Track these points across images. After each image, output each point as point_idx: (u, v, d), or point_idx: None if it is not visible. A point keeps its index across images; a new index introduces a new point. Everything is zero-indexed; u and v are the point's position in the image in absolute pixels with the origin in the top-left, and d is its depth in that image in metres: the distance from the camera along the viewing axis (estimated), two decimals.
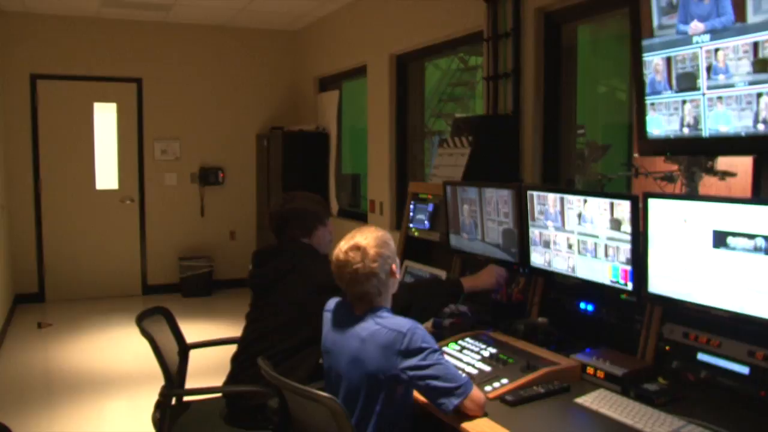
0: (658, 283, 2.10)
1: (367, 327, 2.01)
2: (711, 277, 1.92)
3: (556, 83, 3.78)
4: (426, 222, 3.47)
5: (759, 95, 1.95)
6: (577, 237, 2.39)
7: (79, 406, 4.22)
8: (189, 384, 2.76)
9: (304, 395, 1.91)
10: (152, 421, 2.60)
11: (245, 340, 2.67)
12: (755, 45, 1.93)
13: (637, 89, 2.37)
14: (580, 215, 2.36)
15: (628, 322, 2.34)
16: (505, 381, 2.11)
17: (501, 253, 2.80)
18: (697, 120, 2.16)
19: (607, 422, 1.87)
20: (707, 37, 2.08)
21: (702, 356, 2.04)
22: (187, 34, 7.29)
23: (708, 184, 2.32)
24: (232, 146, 7.56)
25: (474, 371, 2.22)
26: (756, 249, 1.78)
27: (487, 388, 2.08)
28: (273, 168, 6.91)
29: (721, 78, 2.05)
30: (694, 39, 2.12)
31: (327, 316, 2.22)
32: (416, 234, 3.55)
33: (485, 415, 1.92)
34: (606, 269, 2.29)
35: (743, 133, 2.02)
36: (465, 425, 1.89)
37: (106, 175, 7.19)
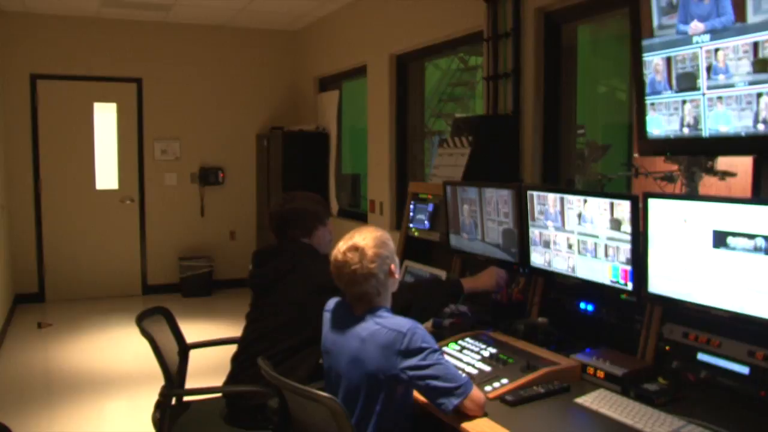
0: (658, 283, 2.10)
1: (367, 327, 2.01)
2: (711, 277, 1.92)
3: (556, 83, 3.78)
4: (426, 222, 3.47)
5: (759, 95, 1.95)
6: (577, 237, 2.39)
7: (79, 406, 4.22)
8: (189, 384, 2.76)
9: (304, 395, 1.91)
10: (152, 421, 2.60)
11: (245, 340, 2.67)
12: (755, 45, 1.93)
13: (637, 89, 2.37)
14: (580, 215, 2.36)
15: (628, 322, 2.34)
16: (505, 381, 2.11)
17: (501, 253, 2.80)
18: (697, 120, 2.16)
19: (607, 422, 1.87)
20: (707, 37, 2.08)
21: (702, 356, 2.04)
22: (187, 34, 7.29)
23: (708, 184, 2.32)
24: (232, 146, 7.56)
25: (474, 371, 2.22)
26: (756, 249, 1.78)
27: (487, 388, 2.08)
28: (273, 168, 6.91)
29: (721, 78, 2.05)
30: (694, 39, 2.12)
31: (327, 316, 2.22)
32: (416, 234, 3.55)
33: (485, 415, 1.92)
34: (606, 269, 2.29)
35: (743, 133, 2.02)
36: (465, 425, 1.89)
37: (106, 175, 7.19)
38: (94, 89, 7.06)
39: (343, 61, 6.44)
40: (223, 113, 7.50)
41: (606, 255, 2.27)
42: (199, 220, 7.53)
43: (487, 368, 2.23)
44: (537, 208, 2.55)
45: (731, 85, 2.03)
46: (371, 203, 5.80)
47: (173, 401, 2.59)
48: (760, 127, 1.96)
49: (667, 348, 2.16)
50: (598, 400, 1.99)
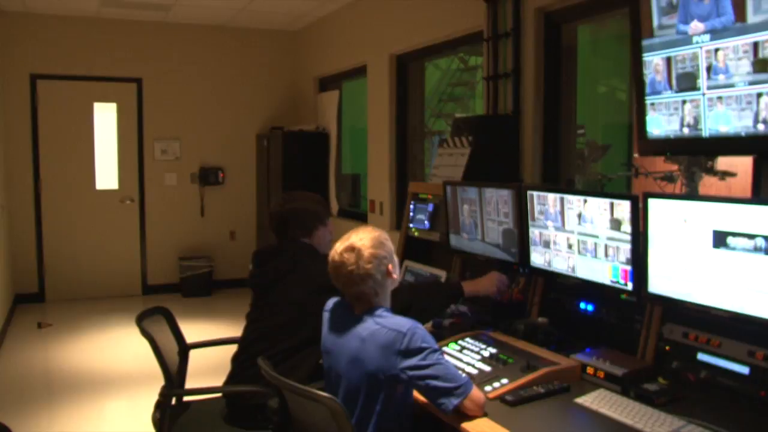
0: (658, 283, 2.10)
1: (367, 327, 2.01)
2: (711, 277, 1.92)
3: (556, 83, 3.78)
4: (426, 222, 3.47)
5: (759, 95, 1.95)
6: (577, 237, 2.39)
7: (79, 406, 4.22)
8: (189, 384, 2.76)
9: (304, 395, 1.91)
10: (152, 421, 2.60)
11: (245, 340, 2.67)
12: (755, 45, 1.93)
13: (637, 89, 2.37)
14: (580, 215, 2.36)
15: (628, 322, 2.34)
16: (505, 381, 2.11)
17: (501, 253, 2.80)
18: (697, 120, 2.16)
19: (607, 422, 1.87)
20: (707, 37, 2.08)
21: (702, 356, 2.04)
22: (187, 34, 7.29)
23: (708, 184, 2.32)
24: (232, 146, 7.56)
25: (474, 371, 2.22)
26: (756, 249, 1.78)
27: (487, 388, 2.08)
28: (273, 168, 6.91)
29: (721, 78, 2.05)
30: (694, 39, 2.12)
31: (326, 316, 2.22)
32: (416, 234, 3.55)
33: (485, 415, 1.92)
34: (606, 269, 2.29)
35: (743, 133, 2.02)
36: (465, 425, 1.89)
37: (106, 175, 7.18)
38: (94, 89, 7.06)
39: (343, 61, 6.44)
40: (223, 113, 7.50)
41: (606, 255, 2.27)
42: (199, 220, 7.53)
43: (487, 368, 2.23)
44: (537, 208, 2.55)
45: (731, 85, 2.03)
46: (371, 203, 5.80)
47: (173, 401, 2.59)
48: (760, 127, 1.96)
49: (667, 348, 2.16)
50: (598, 400, 1.99)
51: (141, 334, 2.50)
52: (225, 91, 7.49)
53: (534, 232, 2.59)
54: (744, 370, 1.92)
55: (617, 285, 2.25)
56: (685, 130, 2.21)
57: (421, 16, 4.94)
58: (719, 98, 2.07)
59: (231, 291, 7.37)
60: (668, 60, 2.23)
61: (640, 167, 2.58)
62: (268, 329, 2.56)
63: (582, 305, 2.53)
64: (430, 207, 3.46)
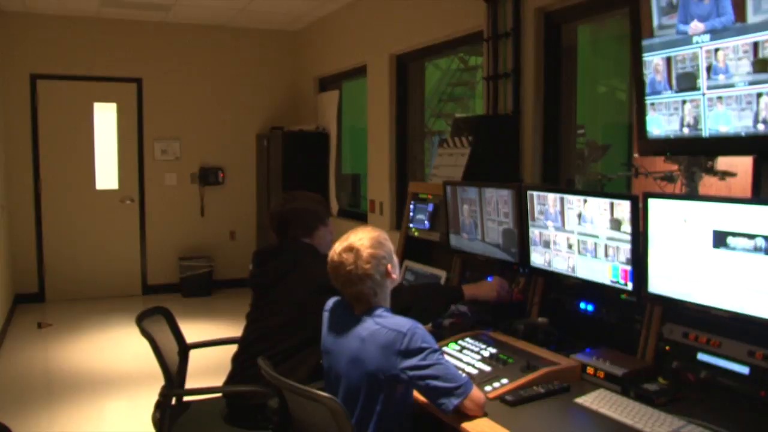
0: (658, 283, 2.10)
1: (367, 327, 2.01)
2: (711, 277, 1.92)
3: (556, 83, 3.78)
4: (426, 222, 3.47)
5: (759, 95, 1.95)
6: (577, 237, 2.39)
7: (79, 406, 4.22)
8: (189, 384, 2.76)
9: (304, 395, 1.91)
10: (152, 421, 2.60)
11: (246, 340, 2.66)
12: (755, 45, 1.93)
13: (637, 89, 2.37)
14: (580, 215, 2.36)
15: (628, 322, 2.34)
16: (505, 381, 2.11)
17: (501, 253, 2.80)
18: (697, 120, 2.16)
19: (607, 422, 1.87)
20: (707, 37, 2.08)
21: (702, 356, 2.04)
22: (187, 34, 7.29)
23: (708, 184, 2.32)
24: (232, 146, 7.56)
25: (474, 371, 2.22)
26: (756, 249, 1.78)
27: (487, 388, 2.08)
28: (273, 168, 6.91)
29: (721, 78, 2.05)
30: (694, 39, 2.12)
31: (326, 316, 2.21)
32: (416, 234, 3.55)
33: (485, 415, 1.93)
34: (606, 269, 2.29)
35: (743, 133, 2.02)
36: (465, 425, 1.89)
37: (106, 175, 7.18)
38: (94, 89, 7.06)
39: (343, 61, 6.44)
40: (223, 113, 7.50)
41: (606, 255, 2.27)
42: (199, 220, 7.53)
43: (487, 368, 2.23)
44: (537, 208, 2.55)
45: (731, 85, 2.03)
46: (371, 203, 5.80)
47: (173, 401, 2.59)
48: (760, 127, 1.96)
49: (667, 348, 2.16)
50: (598, 400, 1.99)
51: (141, 334, 2.50)
52: (225, 91, 7.49)
53: (534, 232, 2.59)
54: (744, 370, 1.92)
55: (617, 285, 2.25)
56: (685, 130, 2.21)
57: (421, 16, 4.94)
58: (719, 98, 2.07)
59: (231, 291, 7.37)
60: (668, 60, 2.23)
61: (640, 167, 2.58)
62: (268, 329, 2.56)
63: (582, 305, 2.53)
64: (430, 207, 3.46)
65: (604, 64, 4.44)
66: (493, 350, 2.37)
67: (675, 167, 2.45)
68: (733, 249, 1.85)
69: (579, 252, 2.39)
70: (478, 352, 2.37)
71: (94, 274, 7.12)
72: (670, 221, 2.02)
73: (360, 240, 2.07)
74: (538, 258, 2.60)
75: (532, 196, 2.57)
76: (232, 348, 2.76)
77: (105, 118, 7.14)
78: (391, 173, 5.54)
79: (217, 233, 7.58)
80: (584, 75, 3.99)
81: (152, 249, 7.35)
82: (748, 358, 1.91)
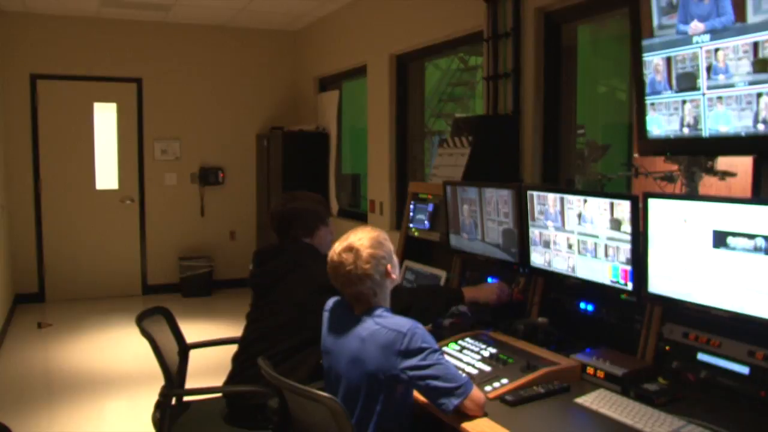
0: (658, 283, 2.10)
1: (367, 327, 2.01)
2: (711, 277, 1.92)
3: (556, 83, 3.78)
4: (426, 222, 3.47)
5: (759, 95, 1.95)
6: (577, 237, 2.39)
7: (79, 406, 4.22)
8: (189, 384, 2.76)
9: (304, 395, 1.91)
10: (152, 421, 2.60)
11: (246, 340, 2.66)
12: (755, 45, 1.93)
13: (637, 89, 2.37)
14: (580, 215, 2.36)
15: (628, 322, 2.34)
16: (505, 381, 2.11)
17: (501, 253, 2.80)
18: (697, 120, 2.16)
19: (607, 422, 1.87)
20: (707, 37, 2.08)
21: (702, 356, 2.04)
22: (187, 34, 7.29)
23: (708, 184, 2.32)
24: (232, 146, 7.56)
25: (474, 371, 2.22)
26: (756, 249, 1.78)
27: (487, 388, 2.08)
28: (273, 168, 6.91)
29: (721, 78, 2.05)
30: (694, 39, 2.12)
31: (326, 316, 2.21)
32: (416, 234, 3.55)
33: (485, 415, 1.93)
34: (606, 269, 2.29)
35: (743, 133, 2.02)
36: (465, 425, 1.89)
37: (106, 175, 7.18)
38: (94, 89, 7.06)
39: (343, 61, 6.44)
40: (223, 113, 7.50)
41: (606, 255, 2.27)
42: (199, 220, 7.53)
43: (487, 368, 2.23)
44: (537, 208, 2.55)
45: (731, 85, 2.03)
46: (371, 203, 5.80)
47: (173, 401, 2.59)
48: (760, 127, 1.96)
49: (667, 348, 2.16)
50: (598, 400, 1.99)
51: (141, 334, 2.50)
52: (225, 91, 7.50)
53: (534, 232, 2.59)
54: (744, 370, 1.92)
55: (617, 285, 2.25)
56: (685, 130, 2.21)
57: (421, 16, 4.94)
58: (719, 98, 2.07)
59: (231, 291, 7.37)
60: (668, 60, 2.23)
61: (640, 167, 2.58)
62: (268, 329, 2.56)
63: (582, 305, 2.53)
64: (430, 207, 3.46)
65: (604, 64, 4.44)
66: (493, 350, 2.37)
67: (675, 167, 2.45)
68: (733, 249, 1.85)
69: (579, 252, 2.39)
70: (478, 352, 2.37)
71: (94, 274, 7.12)
72: (670, 221, 2.02)
73: (360, 240, 2.07)
74: (538, 258, 2.60)
75: (532, 196, 2.57)
76: (232, 348, 2.76)
77: (105, 118, 7.14)
78: (391, 173, 5.54)
79: (217, 233, 7.58)
80: (584, 75, 3.99)
81: (152, 249, 7.35)
82: (748, 358, 1.91)
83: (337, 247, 2.09)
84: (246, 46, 7.52)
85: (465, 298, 2.74)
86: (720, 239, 1.88)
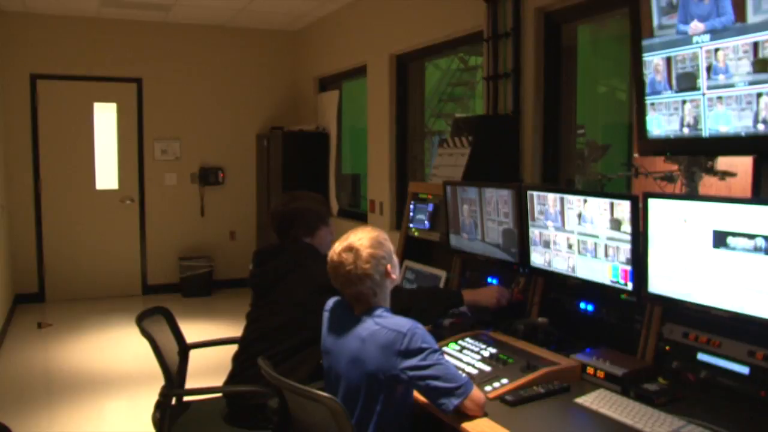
0: (658, 283, 2.10)
1: (367, 327, 2.01)
2: (711, 277, 1.92)
3: (556, 83, 3.78)
4: (426, 222, 3.47)
5: (759, 95, 1.95)
6: (577, 237, 2.39)
7: (79, 406, 4.22)
8: (189, 384, 2.76)
9: (304, 395, 1.91)
10: (152, 421, 2.60)
11: (246, 339, 2.66)
12: (755, 45, 1.93)
13: (637, 89, 2.37)
14: (580, 215, 2.36)
15: (628, 322, 2.34)
16: (505, 381, 2.11)
17: (501, 253, 2.80)
18: (697, 120, 2.16)
19: (607, 422, 1.87)
20: (707, 37, 2.08)
21: (702, 356, 2.04)
22: (187, 34, 7.29)
23: (708, 184, 2.32)
24: (232, 146, 7.56)
25: (474, 371, 2.22)
26: (756, 249, 1.78)
27: (487, 388, 2.08)
28: (273, 168, 6.91)
29: (721, 78, 2.05)
30: (694, 39, 2.12)
31: (326, 316, 2.21)
32: (416, 234, 3.55)
33: (485, 415, 1.93)
34: (606, 269, 2.29)
35: (743, 133, 2.02)
36: (465, 425, 1.89)
37: (106, 175, 7.18)
38: (94, 89, 7.06)
39: (343, 61, 6.44)
40: (223, 113, 7.50)
41: (606, 255, 2.27)
42: (199, 220, 7.53)
43: (487, 368, 2.23)
44: (537, 208, 2.55)
45: (731, 85, 2.03)
46: (371, 203, 5.80)
47: (173, 401, 2.59)
48: (760, 127, 1.96)
49: (667, 348, 2.16)
50: (598, 400, 1.99)
51: (141, 334, 2.50)
52: (225, 91, 7.50)
53: (534, 232, 2.59)
54: (744, 370, 1.92)
55: (617, 285, 2.25)
56: (685, 130, 2.21)
57: (421, 16, 4.94)
58: (719, 98, 2.07)
59: (231, 291, 7.37)
60: (668, 60, 2.23)
61: (640, 167, 2.58)
62: (268, 329, 2.56)
63: (582, 305, 2.53)
64: (430, 207, 3.46)
65: (604, 64, 4.43)
66: (493, 350, 2.37)
67: (675, 167, 2.45)
68: (733, 249, 1.85)
69: (579, 252, 2.39)
70: (478, 352, 2.37)
71: (94, 274, 7.12)
72: (670, 221, 2.02)
73: (360, 240, 2.07)
74: (538, 258, 2.60)
75: (532, 196, 2.57)
76: (232, 348, 2.76)
77: (105, 118, 7.14)
78: (391, 173, 5.54)
79: (217, 233, 7.58)
80: (584, 75, 3.99)
81: (152, 249, 7.35)
82: (748, 358, 1.91)
83: (337, 247, 2.09)
84: (246, 46, 7.52)
85: (465, 300, 2.74)
86: (720, 239, 1.88)
